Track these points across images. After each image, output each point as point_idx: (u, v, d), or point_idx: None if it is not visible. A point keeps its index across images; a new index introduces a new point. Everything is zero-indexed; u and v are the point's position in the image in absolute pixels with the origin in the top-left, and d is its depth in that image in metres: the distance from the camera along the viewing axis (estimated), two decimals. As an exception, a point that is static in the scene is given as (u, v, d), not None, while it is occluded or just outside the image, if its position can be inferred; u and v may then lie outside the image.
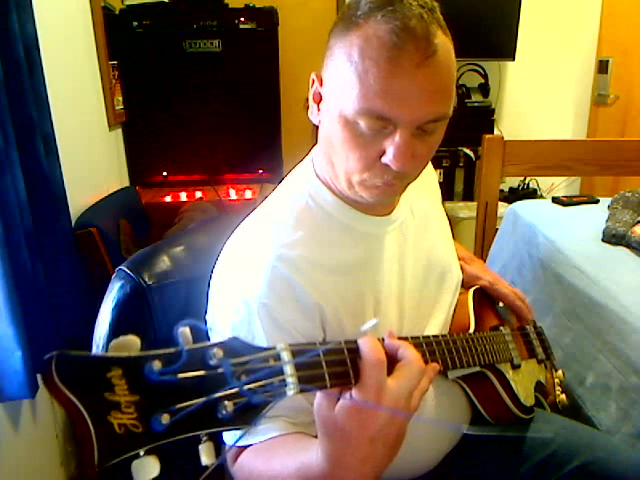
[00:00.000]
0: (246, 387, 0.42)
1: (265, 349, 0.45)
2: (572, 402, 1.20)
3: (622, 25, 3.09)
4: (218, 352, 0.41)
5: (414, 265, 0.80)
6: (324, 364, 0.49)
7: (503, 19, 2.86)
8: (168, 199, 2.48)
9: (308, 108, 0.73)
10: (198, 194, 2.50)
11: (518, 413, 0.83)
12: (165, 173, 2.63)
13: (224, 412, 0.40)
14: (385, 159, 0.64)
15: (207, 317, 0.74)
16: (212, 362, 0.41)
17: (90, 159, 2.06)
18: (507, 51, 2.90)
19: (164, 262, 0.86)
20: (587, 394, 1.22)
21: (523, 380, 0.87)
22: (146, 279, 0.81)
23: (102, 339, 0.80)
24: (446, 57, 0.62)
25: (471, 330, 0.83)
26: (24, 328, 1.26)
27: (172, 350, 0.40)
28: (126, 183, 2.50)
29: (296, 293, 0.67)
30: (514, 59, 2.93)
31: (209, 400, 0.40)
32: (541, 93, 3.27)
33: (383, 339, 0.56)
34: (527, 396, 0.86)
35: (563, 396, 1.01)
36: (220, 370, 0.41)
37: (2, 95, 1.26)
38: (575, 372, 1.27)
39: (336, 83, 0.65)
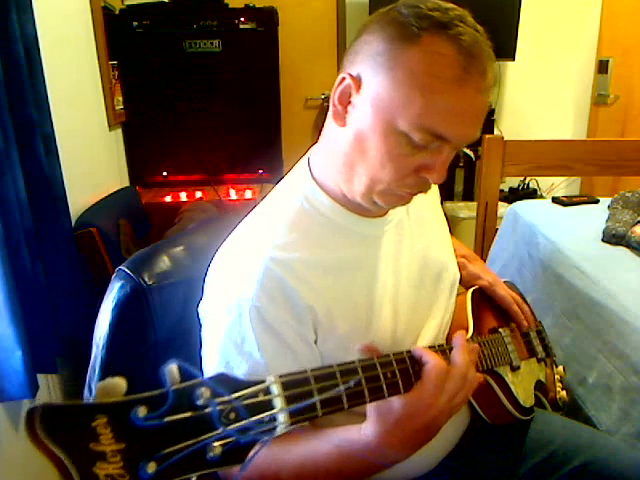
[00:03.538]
0: (235, 427, 0.41)
1: (254, 383, 0.44)
2: (572, 402, 1.20)
3: (622, 25, 3.09)
4: (205, 392, 0.40)
5: (409, 265, 0.80)
6: (316, 393, 0.48)
7: (503, 19, 2.86)
8: (168, 199, 2.48)
9: (328, 108, 0.71)
10: (198, 194, 2.50)
11: (517, 415, 0.83)
12: (165, 173, 2.63)
13: (212, 454, 0.40)
14: (425, 173, 0.66)
15: (199, 309, 0.73)
16: (199, 402, 0.40)
17: (90, 159, 2.06)
18: (507, 51, 2.90)
19: (164, 262, 0.86)
20: (587, 394, 1.22)
21: (523, 381, 0.87)
22: (146, 279, 0.81)
23: (102, 339, 0.80)
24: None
25: (469, 333, 0.82)
26: (24, 328, 1.26)
27: (158, 392, 0.39)
28: (126, 183, 2.50)
29: (288, 295, 0.67)
30: (514, 59, 2.93)
31: (197, 444, 0.39)
32: (541, 93, 3.27)
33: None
34: (527, 397, 0.86)
35: (563, 393, 1.01)
36: (208, 410, 0.40)
37: (2, 95, 1.26)
38: (575, 372, 1.27)
39: (389, 94, 0.63)
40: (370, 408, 0.61)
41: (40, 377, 1.34)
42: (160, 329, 0.82)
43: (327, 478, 0.65)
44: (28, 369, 1.26)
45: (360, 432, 0.62)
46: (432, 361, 0.60)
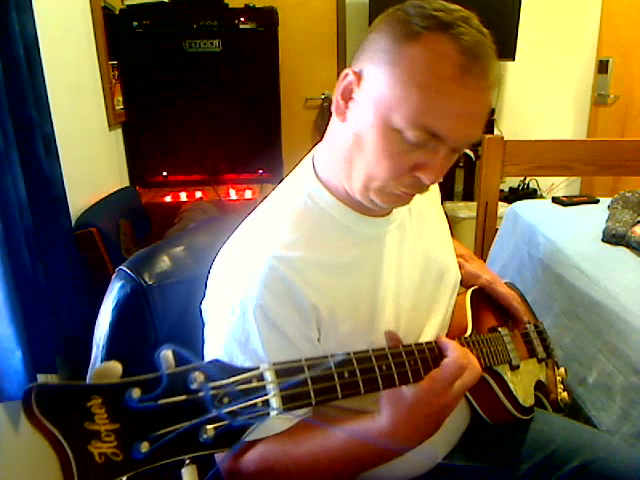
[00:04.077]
0: (227, 410, 0.41)
1: (248, 370, 0.45)
2: (572, 402, 1.20)
3: (622, 25, 3.09)
4: (199, 376, 0.41)
5: (411, 265, 0.80)
6: (309, 381, 0.48)
7: (503, 19, 2.87)
8: (168, 199, 2.48)
9: (330, 103, 0.73)
10: (198, 194, 2.50)
11: (517, 414, 0.83)
12: (165, 173, 2.63)
13: (205, 436, 0.40)
14: (419, 172, 0.66)
15: (202, 307, 0.73)
16: (193, 386, 0.41)
17: (90, 159, 2.06)
18: (507, 51, 2.90)
19: (164, 262, 0.86)
20: (587, 394, 1.23)
21: (522, 381, 0.87)
22: (146, 279, 0.81)
23: (102, 339, 0.80)
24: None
25: (468, 332, 0.82)
26: (24, 328, 1.26)
27: (152, 376, 0.40)
28: (126, 183, 2.50)
29: (292, 294, 0.67)
30: (514, 59, 2.93)
31: (190, 426, 0.40)
32: (541, 93, 3.27)
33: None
34: (526, 397, 0.86)
35: (565, 394, 1.00)
36: (201, 394, 0.41)
37: (2, 95, 1.26)
38: (575, 372, 1.27)
39: (387, 90, 0.63)
40: (383, 397, 0.62)
41: (40, 377, 1.34)
42: (161, 329, 0.82)
43: (341, 468, 0.66)
44: (28, 369, 1.26)
45: (375, 420, 0.63)
46: (455, 353, 0.63)
